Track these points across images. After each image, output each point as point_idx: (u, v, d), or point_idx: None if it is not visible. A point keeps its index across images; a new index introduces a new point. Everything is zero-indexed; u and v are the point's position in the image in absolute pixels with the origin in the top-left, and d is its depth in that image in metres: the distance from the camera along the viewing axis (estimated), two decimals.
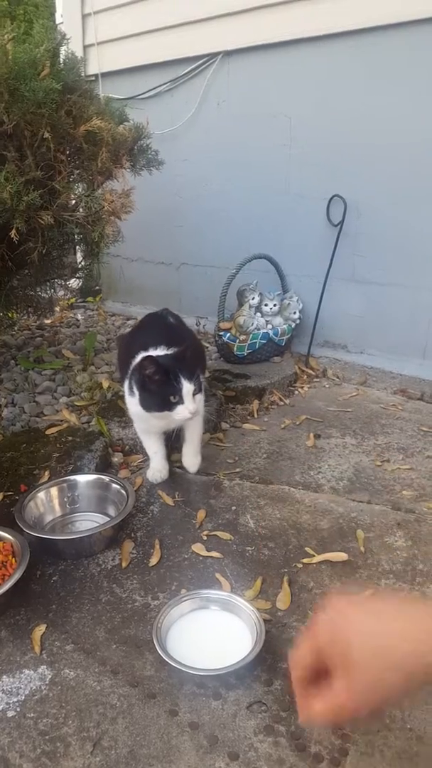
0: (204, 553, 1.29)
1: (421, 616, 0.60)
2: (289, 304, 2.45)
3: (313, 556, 1.28)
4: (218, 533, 1.36)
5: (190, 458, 1.57)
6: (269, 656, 1.03)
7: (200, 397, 1.47)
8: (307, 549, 1.30)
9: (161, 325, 1.69)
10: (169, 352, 1.45)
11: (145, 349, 1.46)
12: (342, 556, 1.27)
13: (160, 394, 1.36)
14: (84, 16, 2.98)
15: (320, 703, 0.60)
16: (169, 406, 1.35)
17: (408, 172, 2.14)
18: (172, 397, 1.34)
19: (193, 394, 1.36)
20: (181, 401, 1.34)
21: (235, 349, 2.29)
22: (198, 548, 1.31)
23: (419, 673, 0.57)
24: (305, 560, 1.26)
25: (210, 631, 1.09)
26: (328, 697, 0.60)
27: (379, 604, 0.65)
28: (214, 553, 1.29)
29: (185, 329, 1.79)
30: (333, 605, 0.64)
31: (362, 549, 1.30)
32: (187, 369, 1.36)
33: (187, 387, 1.34)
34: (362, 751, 0.87)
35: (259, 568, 1.25)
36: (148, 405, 1.40)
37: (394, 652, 0.58)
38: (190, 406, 1.35)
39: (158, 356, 1.39)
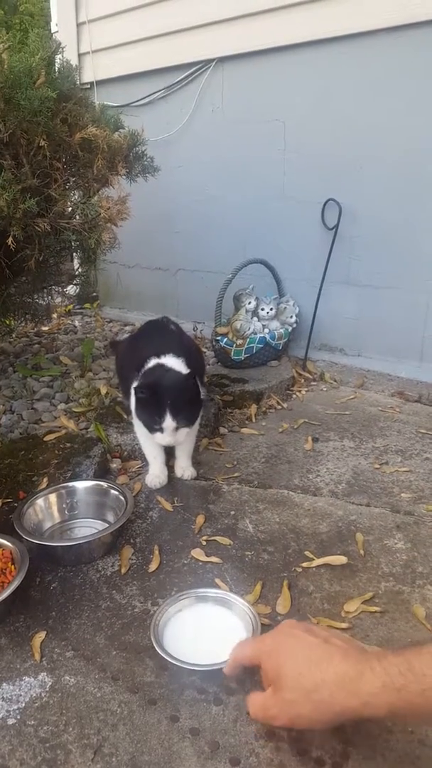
0: (203, 558, 1.29)
1: (342, 668, 0.74)
2: (285, 308, 2.46)
3: (313, 559, 1.28)
4: (217, 538, 1.36)
5: (180, 470, 1.62)
6: None
7: (195, 426, 1.55)
8: (306, 553, 1.30)
9: (164, 333, 1.72)
10: (173, 363, 1.49)
11: (155, 356, 1.51)
12: (341, 559, 1.27)
13: (147, 418, 1.44)
14: (79, 25, 3.01)
15: (256, 699, 0.83)
16: (151, 429, 1.44)
17: (402, 175, 2.15)
18: (155, 425, 1.41)
19: (177, 429, 1.41)
20: (161, 431, 1.41)
21: (232, 353, 2.30)
22: (197, 553, 1.31)
23: (340, 712, 0.74)
24: (305, 564, 1.26)
25: (206, 627, 1.10)
26: (259, 699, 0.83)
27: (319, 645, 0.80)
28: (214, 558, 1.29)
29: (186, 337, 1.83)
30: (281, 631, 0.85)
31: (362, 552, 1.30)
32: (177, 405, 1.39)
33: (168, 423, 1.39)
34: (364, 755, 0.87)
35: (259, 573, 1.25)
36: (139, 417, 1.49)
37: (316, 689, 0.74)
38: (167, 437, 1.42)
39: (155, 383, 1.42)
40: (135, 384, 1.46)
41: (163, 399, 1.39)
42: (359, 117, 2.20)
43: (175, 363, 1.50)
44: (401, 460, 1.72)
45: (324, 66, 2.24)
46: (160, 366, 1.49)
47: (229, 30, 2.44)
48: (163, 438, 1.43)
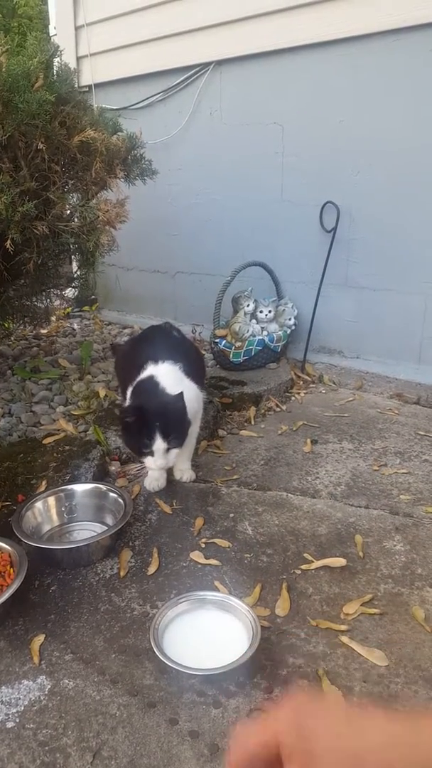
0: (202, 560, 1.29)
1: (391, 728, 0.53)
2: (284, 310, 2.46)
3: (312, 561, 1.28)
4: (216, 541, 1.36)
5: (179, 473, 1.61)
6: (269, 663, 1.03)
7: (195, 428, 1.54)
8: (305, 555, 1.30)
9: (166, 339, 1.71)
10: (169, 370, 1.48)
11: (153, 361, 1.49)
12: (341, 561, 1.27)
13: (135, 442, 1.40)
14: (77, 28, 3.02)
15: None
16: (141, 453, 1.40)
17: (400, 177, 2.16)
18: (144, 448, 1.38)
19: (168, 449, 1.37)
20: (151, 454, 1.38)
21: (230, 356, 2.30)
22: (196, 556, 1.30)
23: None
24: (304, 566, 1.26)
25: (205, 630, 1.10)
26: None
27: (347, 709, 0.60)
28: (213, 561, 1.29)
29: (188, 342, 1.83)
30: (297, 702, 0.58)
31: (361, 554, 1.30)
32: (167, 425, 1.35)
33: (159, 444, 1.35)
34: None
35: (258, 575, 1.25)
36: (126, 444, 1.44)
37: (365, 753, 0.52)
38: (159, 461, 1.38)
39: (141, 405, 1.39)
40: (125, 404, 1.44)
41: (152, 421, 1.34)
42: (357, 120, 2.20)
43: (171, 370, 1.49)
44: (400, 462, 1.72)
45: (322, 69, 2.25)
46: (151, 380, 1.45)
47: (227, 33, 2.45)
48: (155, 461, 1.38)
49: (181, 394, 1.38)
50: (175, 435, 1.38)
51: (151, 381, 1.45)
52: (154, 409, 1.36)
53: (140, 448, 1.39)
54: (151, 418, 1.35)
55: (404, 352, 2.31)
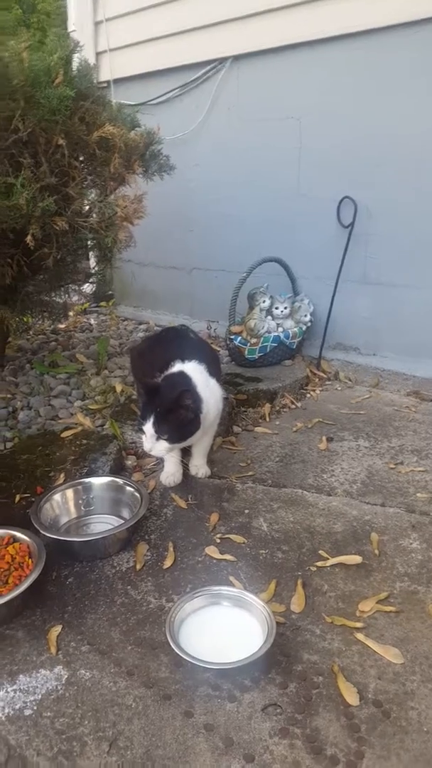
0: (217, 556, 1.30)
1: None
2: (300, 306, 2.45)
3: (327, 559, 1.27)
4: (231, 536, 1.36)
5: (194, 468, 1.62)
6: (284, 659, 1.03)
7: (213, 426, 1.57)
8: (320, 552, 1.30)
9: (186, 340, 1.73)
10: (198, 367, 1.51)
11: (181, 360, 1.50)
12: (356, 559, 1.26)
13: (140, 413, 1.42)
14: (96, 24, 3.03)
15: None
16: (139, 427, 1.41)
17: (418, 172, 2.13)
18: (140, 424, 1.40)
19: (157, 438, 1.37)
20: (143, 433, 1.39)
21: (246, 352, 2.30)
22: (211, 551, 1.31)
23: None
24: (319, 563, 1.26)
25: (221, 625, 1.10)
26: None
27: None
28: (228, 556, 1.29)
29: (205, 344, 1.85)
30: None
31: (376, 552, 1.29)
32: (161, 419, 1.35)
33: (148, 429, 1.36)
34: (378, 754, 0.87)
35: (273, 571, 1.25)
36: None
37: None
38: (146, 444, 1.38)
39: (159, 386, 1.40)
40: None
41: (153, 404, 1.36)
42: (375, 113, 2.18)
43: (198, 369, 1.50)
44: (417, 460, 1.71)
45: (339, 63, 2.23)
46: (182, 374, 1.47)
47: (244, 28, 2.43)
48: (144, 443, 1.38)
49: (193, 395, 1.39)
50: (168, 430, 1.36)
51: (182, 375, 1.47)
52: (164, 397, 1.37)
53: (139, 423, 1.41)
54: (156, 402, 1.36)
55: (422, 349, 2.28)
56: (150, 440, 1.37)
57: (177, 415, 1.36)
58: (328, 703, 0.95)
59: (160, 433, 1.36)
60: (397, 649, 1.04)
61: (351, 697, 0.95)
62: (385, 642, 1.06)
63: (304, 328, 2.44)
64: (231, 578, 1.23)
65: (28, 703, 0.96)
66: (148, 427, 1.36)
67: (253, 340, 2.29)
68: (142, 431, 1.39)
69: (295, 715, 0.93)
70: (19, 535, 1.25)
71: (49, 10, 8.44)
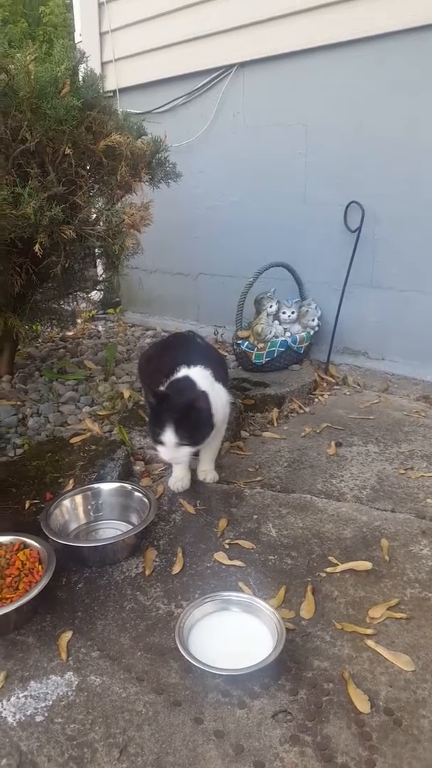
0: (226, 561, 1.30)
1: None
2: (307, 311, 2.45)
3: (337, 565, 1.27)
4: (240, 542, 1.36)
5: (202, 474, 1.62)
6: (294, 665, 1.02)
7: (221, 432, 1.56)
8: (330, 558, 1.29)
9: (193, 345, 1.73)
10: (203, 373, 1.49)
11: (187, 365, 1.50)
12: (366, 565, 1.26)
13: (152, 426, 1.41)
14: (102, 34, 3.06)
15: None
16: (155, 441, 1.41)
17: (426, 177, 2.13)
18: (156, 437, 1.39)
19: (179, 444, 1.36)
20: (162, 444, 1.38)
21: (253, 357, 2.30)
22: (220, 557, 1.31)
23: None
24: (329, 569, 1.26)
25: (230, 631, 1.10)
26: None
27: None
28: (237, 562, 1.29)
29: (212, 349, 1.85)
30: None
31: (386, 558, 1.29)
32: (183, 420, 1.34)
33: (169, 437, 1.35)
34: (390, 763, 0.86)
35: (282, 577, 1.25)
36: (149, 426, 1.46)
37: None
38: (166, 454, 1.39)
39: (168, 394, 1.39)
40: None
41: (169, 412, 1.34)
42: (381, 118, 2.18)
43: (203, 374, 1.49)
44: (427, 465, 1.70)
45: (345, 68, 2.24)
46: (187, 379, 1.46)
47: (250, 35, 2.45)
48: (165, 453, 1.39)
49: (205, 395, 1.39)
50: (190, 433, 1.37)
51: (188, 380, 1.47)
52: (177, 402, 1.37)
53: (154, 435, 1.40)
54: (170, 410, 1.35)
55: (431, 353, 2.27)
56: (170, 449, 1.37)
57: (193, 417, 1.37)
58: (338, 710, 0.94)
59: (181, 439, 1.36)
60: (408, 656, 1.03)
61: (362, 704, 0.94)
62: (396, 649, 1.05)
63: (311, 332, 2.43)
64: (240, 584, 1.22)
65: (39, 710, 0.96)
66: (168, 436, 1.35)
67: (261, 345, 2.29)
68: (159, 443, 1.38)
69: (306, 722, 0.92)
70: (29, 541, 1.25)
71: (56, 23, 8.56)
